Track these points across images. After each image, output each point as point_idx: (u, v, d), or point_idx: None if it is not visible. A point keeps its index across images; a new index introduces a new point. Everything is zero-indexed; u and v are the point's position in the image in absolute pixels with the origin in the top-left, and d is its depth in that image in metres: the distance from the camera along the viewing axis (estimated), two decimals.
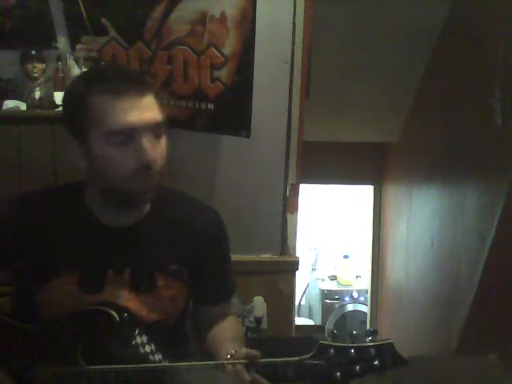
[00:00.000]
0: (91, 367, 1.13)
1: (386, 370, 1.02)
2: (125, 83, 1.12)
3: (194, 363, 1.13)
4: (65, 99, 1.21)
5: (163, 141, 1.16)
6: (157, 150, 1.13)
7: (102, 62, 2.17)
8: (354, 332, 1.06)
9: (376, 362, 1.01)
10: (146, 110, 1.12)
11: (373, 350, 1.02)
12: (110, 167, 1.12)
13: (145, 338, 1.23)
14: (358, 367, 1.01)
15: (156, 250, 1.24)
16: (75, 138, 1.15)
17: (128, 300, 1.22)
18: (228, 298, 1.39)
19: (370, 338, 1.05)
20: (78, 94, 1.14)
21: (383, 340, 1.04)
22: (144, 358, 1.22)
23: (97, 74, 1.20)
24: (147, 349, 1.23)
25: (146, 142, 1.11)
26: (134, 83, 1.13)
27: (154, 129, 1.13)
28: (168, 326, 1.29)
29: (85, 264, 1.21)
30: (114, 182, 1.13)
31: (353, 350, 1.02)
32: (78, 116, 1.13)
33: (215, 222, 1.33)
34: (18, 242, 1.20)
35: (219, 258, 1.34)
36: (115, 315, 1.15)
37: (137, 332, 1.22)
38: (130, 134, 1.10)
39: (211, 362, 1.15)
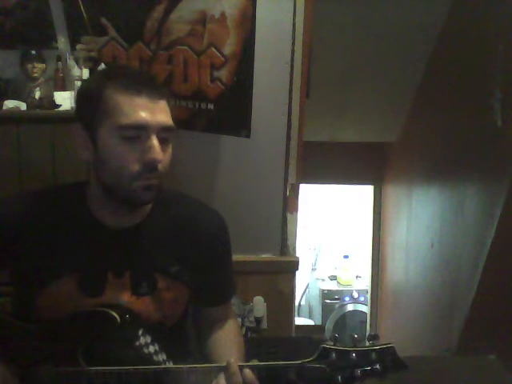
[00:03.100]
0: (92, 368, 1.12)
1: (387, 374, 1.02)
2: (144, 84, 1.14)
3: (195, 365, 1.13)
4: (81, 89, 1.22)
5: (170, 148, 1.17)
6: (164, 153, 1.14)
7: (102, 63, 2.17)
8: (356, 335, 1.06)
9: (377, 366, 1.01)
10: (160, 112, 1.13)
11: (374, 354, 1.02)
12: (116, 161, 1.11)
13: (149, 339, 1.23)
14: (359, 371, 1.01)
15: (157, 251, 1.23)
16: (85, 128, 1.15)
17: (128, 303, 1.21)
18: (228, 300, 1.39)
19: (371, 342, 1.05)
20: (97, 85, 1.16)
21: (385, 344, 1.04)
22: (148, 358, 1.22)
23: (119, 70, 1.25)
24: (151, 349, 1.23)
25: (156, 142, 1.11)
26: (152, 86, 1.15)
27: (165, 132, 1.14)
28: (168, 328, 1.28)
29: (84, 266, 1.20)
30: (117, 179, 1.12)
31: (354, 354, 1.02)
32: (94, 105, 1.13)
33: (217, 223, 1.32)
34: (18, 243, 1.19)
35: (220, 260, 1.33)
36: (116, 316, 1.15)
37: (140, 332, 1.22)
38: (142, 132, 1.11)
39: (212, 365, 1.15)
